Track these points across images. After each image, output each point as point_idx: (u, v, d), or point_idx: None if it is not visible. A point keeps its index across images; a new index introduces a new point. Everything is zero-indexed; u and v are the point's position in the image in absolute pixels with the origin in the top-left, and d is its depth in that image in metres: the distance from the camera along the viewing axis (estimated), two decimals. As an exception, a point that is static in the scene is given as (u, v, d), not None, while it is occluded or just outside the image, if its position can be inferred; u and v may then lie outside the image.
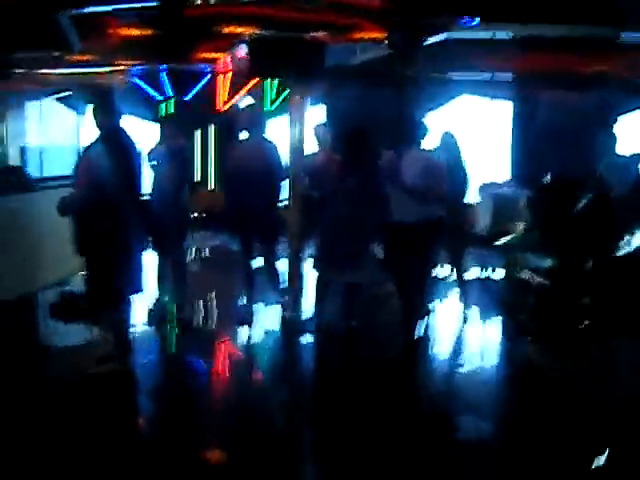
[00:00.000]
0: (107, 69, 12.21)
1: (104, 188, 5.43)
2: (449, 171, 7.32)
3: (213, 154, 13.68)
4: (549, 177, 6.58)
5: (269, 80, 12.92)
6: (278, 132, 8.96)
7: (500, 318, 7.92)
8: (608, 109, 12.20)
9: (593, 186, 6.37)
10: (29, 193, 8.41)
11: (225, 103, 13.30)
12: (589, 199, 6.31)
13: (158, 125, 7.57)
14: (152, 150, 7.55)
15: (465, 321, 7.64)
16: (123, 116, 5.95)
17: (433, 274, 7.78)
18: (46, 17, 7.03)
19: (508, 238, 6.96)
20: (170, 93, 13.36)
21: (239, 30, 8.23)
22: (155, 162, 7.43)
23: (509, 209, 9.56)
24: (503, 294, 8.38)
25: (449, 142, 7.54)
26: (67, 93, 13.62)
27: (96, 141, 5.64)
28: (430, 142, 6.66)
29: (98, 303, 5.88)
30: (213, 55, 10.75)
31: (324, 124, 8.76)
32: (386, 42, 8.08)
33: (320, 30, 8.36)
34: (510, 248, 7.06)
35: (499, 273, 9.52)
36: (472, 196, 11.16)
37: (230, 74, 13.12)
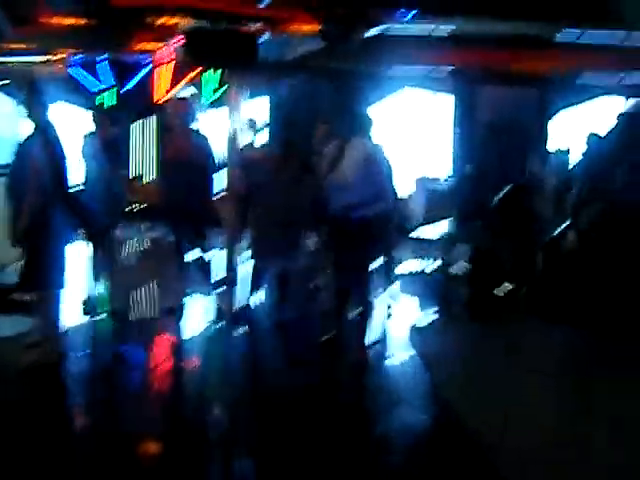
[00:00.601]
0: (45, 58, 12.08)
1: (34, 180, 5.44)
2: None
3: (154, 146, 13.58)
4: (470, 169, 6.71)
5: (209, 72, 12.87)
6: (216, 124, 8.93)
7: (436, 309, 8.01)
8: (542, 106, 12.42)
9: (515, 177, 6.51)
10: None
11: (165, 94, 13.20)
12: (508, 190, 6.45)
13: (91, 115, 7.42)
14: (85, 140, 7.48)
15: (389, 315, 7.73)
16: (52, 107, 5.86)
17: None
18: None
19: (439, 230, 7.06)
20: (110, 82, 13.26)
21: (174, 21, 8.23)
22: (88, 153, 7.36)
23: (441, 202, 9.67)
24: (438, 286, 8.46)
25: None
26: (5, 82, 13.41)
27: (28, 133, 5.64)
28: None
29: (28, 291, 5.87)
30: (152, 45, 10.71)
31: (251, 119, 8.80)
32: (320, 35, 8.14)
33: (256, 21, 8.39)
34: (441, 240, 7.14)
35: (434, 265, 9.66)
36: (406, 190, 11.35)
37: (171, 65, 13.04)
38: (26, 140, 5.66)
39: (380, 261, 7.98)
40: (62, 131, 5.90)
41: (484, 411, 2.25)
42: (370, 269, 7.85)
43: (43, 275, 5.75)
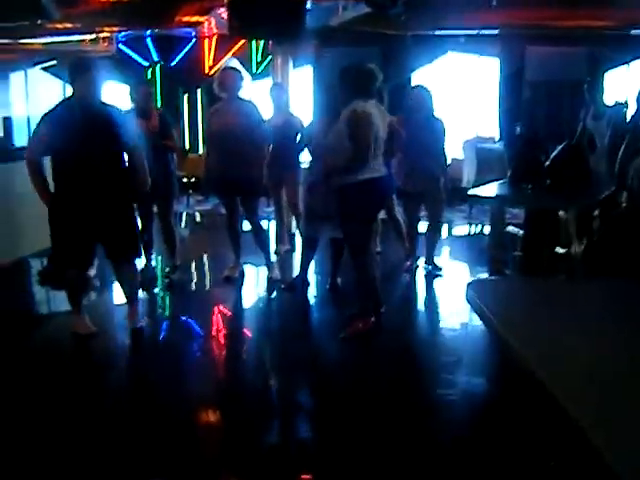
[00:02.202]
0: (91, 36, 12.18)
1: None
2: (424, 125, 7.37)
3: (201, 119, 13.67)
4: (521, 128, 6.62)
5: (254, 44, 12.91)
6: (262, 96, 8.94)
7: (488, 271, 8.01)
8: (594, 62, 12.19)
9: (568, 135, 6.40)
10: (14, 162, 8.39)
11: (211, 67, 13.28)
12: (562, 148, 6.35)
13: (130, 89, 7.41)
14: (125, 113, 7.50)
15: (439, 276, 7.72)
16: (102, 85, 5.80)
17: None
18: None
19: (491, 189, 6.98)
20: (156, 59, 13.36)
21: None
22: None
23: (492, 163, 9.60)
24: (489, 248, 8.42)
25: (423, 96, 7.50)
26: (52, 62, 13.58)
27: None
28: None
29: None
30: (196, 19, 10.71)
31: (278, 84, 8.78)
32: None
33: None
34: (492, 199, 7.07)
35: (485, 228, 9.64)
36: (456, 151, 11.30)
37: (214, 38, 13.11)
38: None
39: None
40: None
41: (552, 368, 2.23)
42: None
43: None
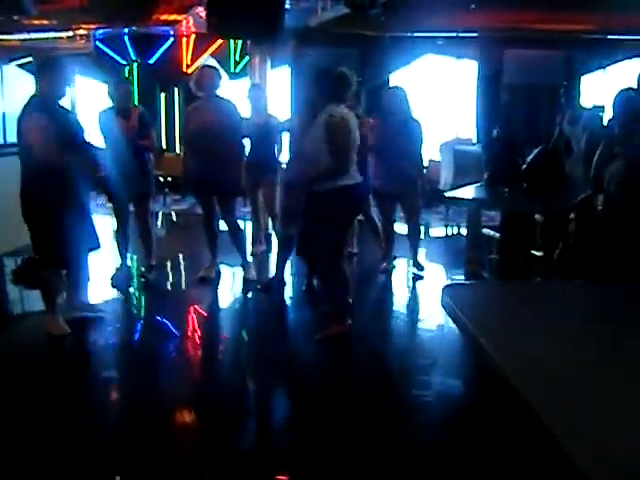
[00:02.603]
0: (68, 34, 12.12)
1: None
2: (400, 127, 7.38)
3: (178, 118, 13.61)
4: (499, 131, 6.65)
5: (233, 43, 12.87)
6: (240, 95, 8.92)
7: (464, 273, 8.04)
8: (572, 66, 12.27)
9: (545, 139, 6.43)
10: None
11: (189, 66, 13.23)
12: (538, 151, 6.38)
13: (114, 88, 7.36)
14: (107, 114, 7.44)
15: (420, 278, 7.74)
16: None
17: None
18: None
19: (468, 192, 7.00)
20: (133, 57, 13.28)
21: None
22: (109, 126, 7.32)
23: (470, 165, 9.62)
24: (466, 251, 8.45)
25: (399, 98, 7.49)
26: (28, 59, 13.48)
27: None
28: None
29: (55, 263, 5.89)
30: (174, 17, 10.69)
31: (257, 85, 8.76)
32: (345, 0, 8.07)
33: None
34: (469, 201, 7.09)
35: (462, 229, 9.66)
36: (434, 153, 11.32)
37: (193, 37, 13.06)
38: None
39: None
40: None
41: (526, 369, 2.22)
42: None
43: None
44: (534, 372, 2.27)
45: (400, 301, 7.46)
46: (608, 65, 12.72)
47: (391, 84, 10.97)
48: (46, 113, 5.48)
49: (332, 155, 5.41)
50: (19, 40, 12.28)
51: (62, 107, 5.84)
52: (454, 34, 12.35)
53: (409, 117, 7.50)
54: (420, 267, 7.81)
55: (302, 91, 7.16)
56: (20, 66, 13.54)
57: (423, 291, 7.52)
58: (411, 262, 7.90)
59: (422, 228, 8.07)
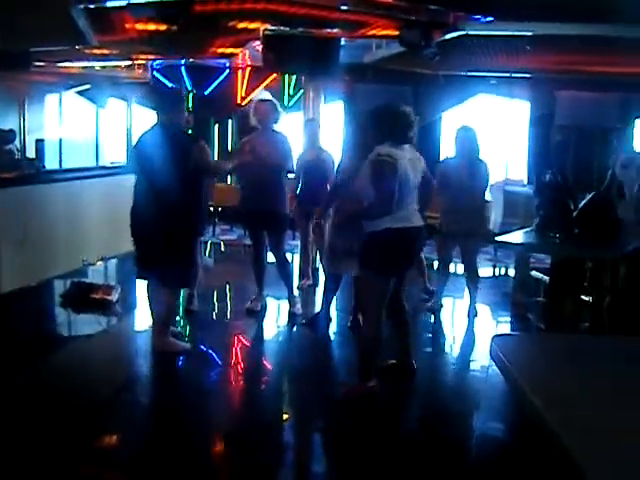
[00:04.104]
0: (127, 63, 12.36)
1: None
2: (468, 167, 7.37)
3: (230, 149, 13.76)
4: (551, 175, 6.60)
5: (287, 77, 13.01)
6: (293, 128, 9.04)
7: (510, 315, 8.00)
8: (626, 108, 12.17)
9: (597, 183, 6.38)
10: (46, 184, 8.51)
11: (243, 99, 13.40)
12: (591, 197, 6.33)
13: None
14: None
15: (475, 315, 7.68)
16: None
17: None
18: (63, 11, 7.10)
19: (518, 236, 6.96)
20: (189, 87, 13.49)
21: (253, 26, 8.31)
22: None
23: (520, 206, 9.58)
24: (514, 292, 8.40)
25: (466, 136, 7.51)
26: (86, 86, 13.78)
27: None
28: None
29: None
30: (231, 50, 10.83)
31: (313, 119, 8.81)
32: (399, 39, 8.11)
33: (335, 27, 8.43)
34: (520, 246, 7.05)
35: (510, 271, 9.61)
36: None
37: (248, 70, 13.23)
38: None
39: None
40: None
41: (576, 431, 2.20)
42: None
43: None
44: (581, 433, 2.24)
45: (447, 342, 7.42)
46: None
47: (451, 123, 11.01)
48: (179, 140, 5.96)
49: (374, 194, 5.18)
50: (78, 68, 12.55)
51: (187, 135, 6.37)
52: (507, 74, 12.34)
53: (477, 157, 7.50)
54: (474, 311, 7.75)
55: (354, 128, 7.18)
56: (79, 93, 13.88)
57: (469, 331, 7.46)
58: (459, 302, 7.86)
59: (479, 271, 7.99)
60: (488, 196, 11.27)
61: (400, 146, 5.24)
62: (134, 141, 6.31)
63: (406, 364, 5.82)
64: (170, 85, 13.22)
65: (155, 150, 5.90)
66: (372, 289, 5.32)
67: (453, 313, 8.04)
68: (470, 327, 7.53)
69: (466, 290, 7.87)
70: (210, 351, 6.54)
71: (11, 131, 12.14)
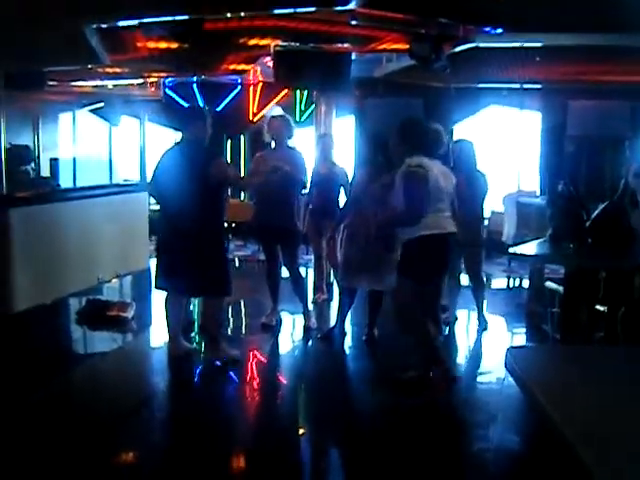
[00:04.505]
0: (139, 81, 12.46)
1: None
2: (466, 179, 7.39)
3: (243, 165, 13.82)
4: (563, 186, 6.59)
5: (299, 92, 13.06)
6: (306, 143, 9.08)
7: (525, 326, 8.00)
8: (638, 117, 12.14)
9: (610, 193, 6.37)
10: (60, 203, 8.56)
11: (255, 115, 13.46)
12: (604, 207, 6.32)
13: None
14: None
15: (485, 327, 7.68)
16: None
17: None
18: (76, 30, 7.17)
19: (532, 247, 6.96)
20: (201, 104, 13.55)
21: (264, 42, 8.37)
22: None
23: (533, 217, 9.57)
24: (528, 303, 8.40)
25: (463, 149, 7.52)
26: (100, 104, 13.89)
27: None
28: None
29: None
30: (242, 67, 10.90)
31: (326, 134, 8.85)
32: (410, 52, 8.14)
33: (345, 42, 8.48)
34: (534, 257, 7.05)
35: (524, 282, 9.59)
36: (497, 205, 11.30)
37: (260, 85, 13.29)
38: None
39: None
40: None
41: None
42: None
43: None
44: (599, 447, 2.24)
45: (461, 353, 7.41)
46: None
47: (456, 135, 11.01)
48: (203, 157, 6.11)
49: (405, 202, 5.35)
50: (91, 86, 12.66)
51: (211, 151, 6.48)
52: (518, 85, 12.35)
53: (475, 169, 7.52)
54: (484, 321, 7.77)
55: (367, 142, 7.24)
56: (92, 111, 13.98)
57: (484, 343, 7.46)
58: (473, 314, 7.86)
59: (485, 280, 8.01)
60: (499, 207, 11.35)
61: (430, 159, 5.43)
62: (152, 158, 6.46)
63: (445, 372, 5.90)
64: (182, 102, 13.32)
65: (180, 166, 6.06)
66: (409, 297, 5.51)
67: (468, 325, 8.02)
68: (483, 339, 7.53)
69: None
70: (226, 368, 6.54)
71: (27, 147, 12.18)
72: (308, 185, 7.91)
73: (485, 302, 7.92)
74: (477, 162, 7.56)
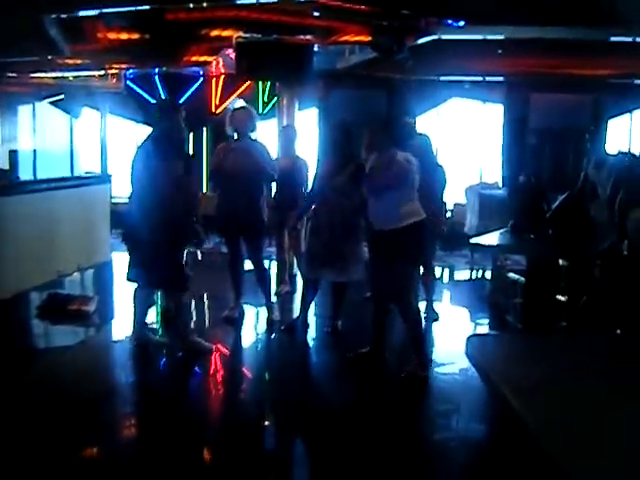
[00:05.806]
0: (100, 73, 12.33)
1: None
2: (424, 172, 7.43)
3: (205, 158, 13.71)
4: (525, 178, 6.66)
5: (261, 84, 13.00)
6: (268, 135, 9.05)
7: (488, 317, 8.03)
8: (598, 110, 12.29)
9: (570, 184, 6.45)
10: (19, 195, 8.45)
11: (217, 107, 13.37)
12: (564, 197, 6.39)
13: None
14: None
15: (436, 318, 7.70)
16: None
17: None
18: (35, 20, 7.08)
19: (493, 238, 7.02)
20: (163, 96, 13.43)
21: (226, 34, 8.32)
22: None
23: (495, 209, 9.64)
24: (491, 294, 8.44)
25: (423, 144, 7.53)
26: (60, 97, 13.72)
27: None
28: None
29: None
30: (204, 58, 10.83)
31: (289, 126, 8.84)
32: (372, 44, 8.15)
33: (307, 33, 8.46)
34: (495, 248, 7.11)
35: (487, 273, 9.64)
36: (459, 196, 11.37)
37: (222, 77, 13.21)
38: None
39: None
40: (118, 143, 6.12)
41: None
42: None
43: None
44: (559, 431, 2.26)
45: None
46: (635, 109, 12.73)
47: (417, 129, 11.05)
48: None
49: (406, 190, 5.80)
50: (51, 78, 12.50)
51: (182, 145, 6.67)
52: (480, 78, 12.43)
53: (433, 162, 7.53)
54: (434, 313, 7.72)
55: (331, 134, 7.22)
56: (52, 103, 13.81)
57: (447, 334, 7.47)
58: (440, 307, 7.87)
59: (440, 271, 8.03)
60: (461, 199, 11.42)
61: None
62: (113, 150, 6.40)
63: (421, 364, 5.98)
64: (144, 94, 13.20)
65: (151, 160, 6.06)
66: (411, 282, 5.90)
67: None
68: (438, 330, 7.54)
69: (443, 293, 7.91)
70: (189, 360, 6.50)
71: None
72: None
73: (446, 292, 7.95)
74: (435, 156, 7.58)
